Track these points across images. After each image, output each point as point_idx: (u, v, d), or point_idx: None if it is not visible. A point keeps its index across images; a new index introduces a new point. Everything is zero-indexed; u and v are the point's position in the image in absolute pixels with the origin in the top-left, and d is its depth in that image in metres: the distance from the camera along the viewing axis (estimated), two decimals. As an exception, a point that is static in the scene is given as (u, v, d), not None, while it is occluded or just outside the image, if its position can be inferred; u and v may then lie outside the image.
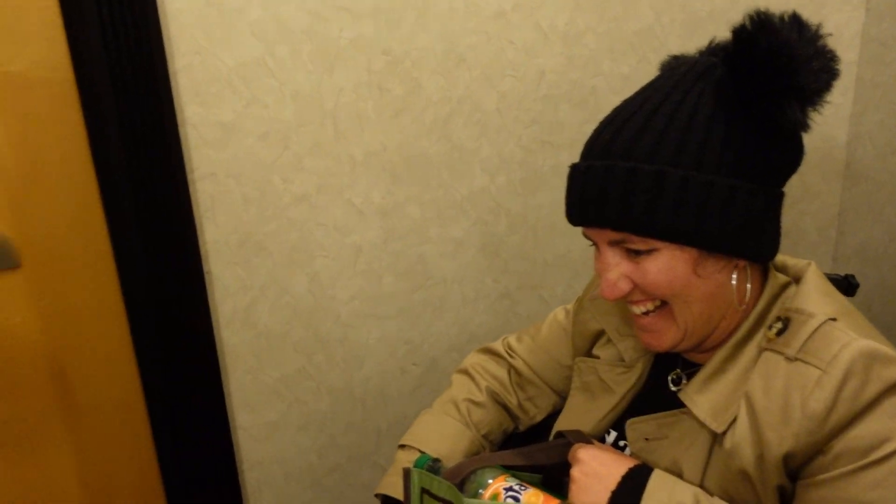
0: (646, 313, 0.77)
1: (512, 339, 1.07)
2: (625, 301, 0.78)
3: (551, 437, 0.95)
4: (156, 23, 1.00)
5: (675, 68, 0.76)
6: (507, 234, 1.32)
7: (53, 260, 1.11)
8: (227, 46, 1.05)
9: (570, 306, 1.04)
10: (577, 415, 0.93)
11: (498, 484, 0.82)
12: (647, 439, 0.82)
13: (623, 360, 0.89)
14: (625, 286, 0.74)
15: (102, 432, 1.22)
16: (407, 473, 0.86)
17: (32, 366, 1.14)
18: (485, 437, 1.00)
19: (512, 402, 1.03)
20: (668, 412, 0.80)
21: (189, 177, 1.08)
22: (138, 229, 1.08)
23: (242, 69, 1.07)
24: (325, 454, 1.31)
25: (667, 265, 0.71)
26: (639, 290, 0.74)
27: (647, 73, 1.33)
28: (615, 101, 1.34)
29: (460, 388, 1.04)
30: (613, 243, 0.73)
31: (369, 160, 1.18)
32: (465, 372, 1.05)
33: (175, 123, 1.04)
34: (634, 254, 0.72)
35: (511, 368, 1.04)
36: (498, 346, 1.07)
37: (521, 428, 1.05)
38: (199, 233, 1.11)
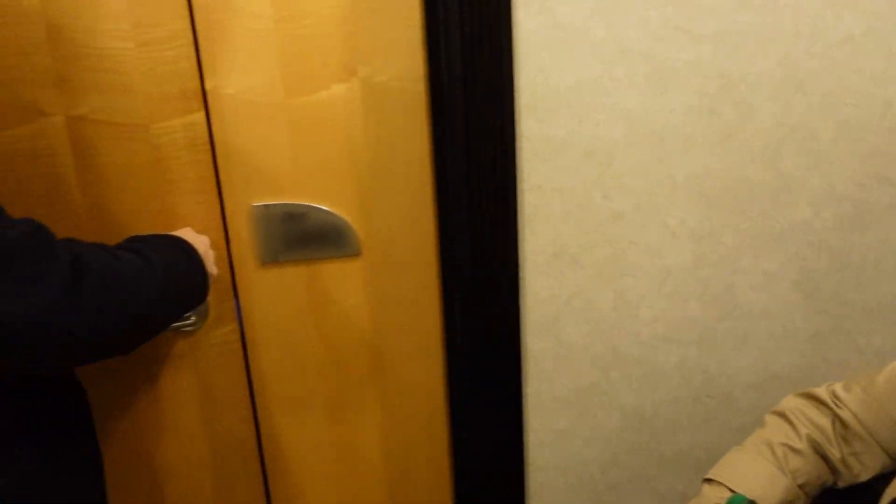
0: None
1: (838, 388, 1.00)
2: None
3: (884, 501, 0.87)
4: (508, 43, 1.06)
5: None
6: (827, 272, 1.23)
7: (386, 251, 1.23)
8: (568, 66, 1.09)
9: (913, 360, 0.95)
10: (920, 483, 0.85)
11: (831, 541, 0.77)
12: None
13: None
14: None
15: (405, 411, 1.33)
16: (720, 510, 0.84)
17: (358, 342, 1.27)
18: (801, 487, 0.95)
19: (834, 454, 0.96)
20: None
21: (518, 187, 1.14)
22: (465, 231, 1.16)
23: (579, 87, 1.10)
24: (607, 470, 1.32)
25: None
26: None
27: None
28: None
29: (776, 430, 0.99)
30: None
31: (689, 183, 1.16)
32: (782, 415, 1.00)
33: (514, 136, 1.10)
34: None
35: (836, 418, 0.97)
36: (821, 392, 1.00)
37: (841, 485, 0.98)
38: (519, 241, 1.16)
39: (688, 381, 1.27)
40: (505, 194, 1.13)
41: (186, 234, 1.06)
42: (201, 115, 1.11)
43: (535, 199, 1.15)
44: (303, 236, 1.20)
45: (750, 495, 0.91)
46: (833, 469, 0.97)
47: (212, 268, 1.05)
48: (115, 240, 1.12)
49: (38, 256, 0.68)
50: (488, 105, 1.09)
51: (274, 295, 1.23)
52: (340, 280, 1.24)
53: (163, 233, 1.06)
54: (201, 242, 1.05)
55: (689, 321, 1.24)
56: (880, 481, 0.94)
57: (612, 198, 1.16)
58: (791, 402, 1.01)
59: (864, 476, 0.97)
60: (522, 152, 1.12)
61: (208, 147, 1.13)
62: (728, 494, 0.93)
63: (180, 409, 1.26)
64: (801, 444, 0.96)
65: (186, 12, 1.06)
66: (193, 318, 1.19)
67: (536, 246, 1.17)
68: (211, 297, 1.19)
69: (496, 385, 1.25)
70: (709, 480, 0.98)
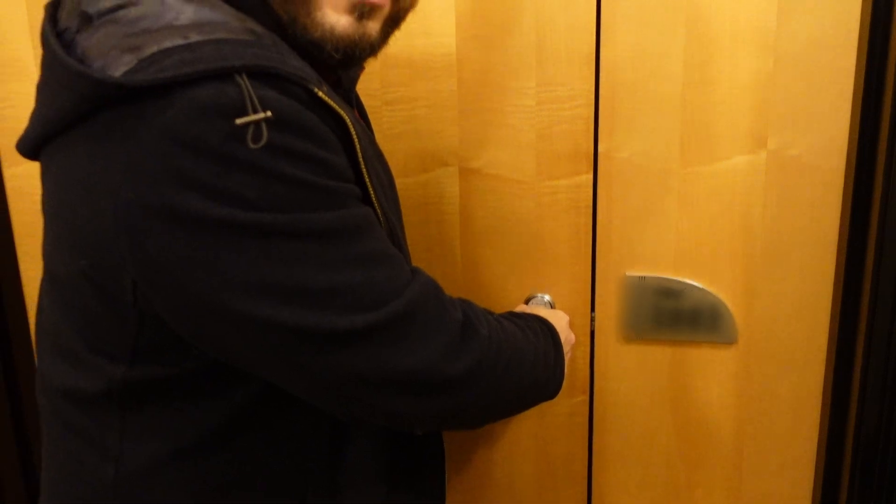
0: None
1: None
2: None
3: None
4: (977, 120, 0.88)
5: None
6: None
7: (766, 343, 1.09)
8: None
9: None
10: None
11: None
12: None
13: None
14: None
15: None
16: None
17: (716, 439, 1.14)
18: None
19: None
20: None
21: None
22: (883, 336, 0.98)
23: None
24: None
25: None
26: None
27: None
28: None
29: None
30: None
31: None
32: None
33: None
34: None
35: None
36: None
37: None
38: (951, 356, 0.96)
39: None
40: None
41: (551, 316, 0.98)
42: (589, 177, 1.07)
43: (980, 309, 0.94)
44: (674, 315, 1.10)
45: None
46: None
47: (569, 336, 0.97)
48: (486, 295, 1.11)
49: (433, 313, 0.64)
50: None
51: (632, 373, 1.14)
52: (708, 368, 1.12)
53: (534, 314, 0.98)
54: (563, 327, 0.96)
55: None
56: None
57: None
58: None
59: None
60: (973, 252, 0.93)
61: (590, 210, 1.08)
62: None
63: (515, 473, 1.21)
64: None
65: (593, 72, 1.03)
66: (547, 385, 1.13)
67: (972, 366, 0.96)
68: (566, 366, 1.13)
69: (888, 522, 1.04)
70: None
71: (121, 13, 0.55)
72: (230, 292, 0.54)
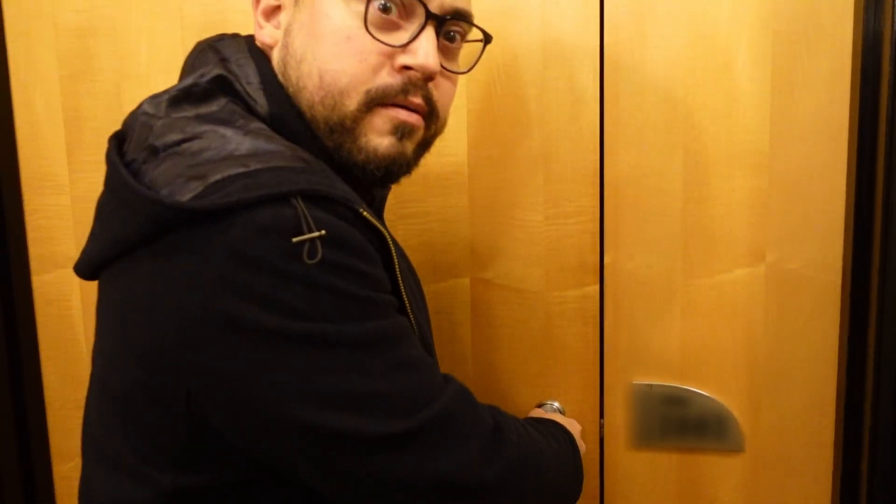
0: None
1: None
2: None
3: None
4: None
5: None
6: None
7: (773, 452, 1.10)
8: None
9: None
10: None
11: None
12: None
13: None
14: None
15: None
16: None
17: (727, 551, 1.14)
18: None
19: None
20: None
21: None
22: (878, 434, 1.00)
23: None
24: None
25: None
26: None
27: None
28: None
29: None
30: None
31: None
32: None
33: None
34: None
35: None
36: None
37: None
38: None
39: None
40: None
41: (566, 424, 1.00)
42: (595, 288, 1.11)
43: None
44: (682, 423, 1.12)
45: None
46: None
47: (580, 445, 1.00)
48: (497, 402, 1.14)
49: (467, 418, 0.67)
50: (931, 306, 0.95)
51: (641, 480, 1.15)
52: (716, 476, 1.13)
53: (553, 419, 1.00)
54: (576, 431, 0.99)
55: None
56: None
57: None
58: None
59: None
60: (969, 364, 0.96)
61: (597, 320, 1.12)
62: None
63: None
64: None
65: (597, 189, 1.09)
66: (558, 493, 1.14)
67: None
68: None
69: None
70: None
71: (185, 146, 0.61)
72: (280, 397, 0.58)
